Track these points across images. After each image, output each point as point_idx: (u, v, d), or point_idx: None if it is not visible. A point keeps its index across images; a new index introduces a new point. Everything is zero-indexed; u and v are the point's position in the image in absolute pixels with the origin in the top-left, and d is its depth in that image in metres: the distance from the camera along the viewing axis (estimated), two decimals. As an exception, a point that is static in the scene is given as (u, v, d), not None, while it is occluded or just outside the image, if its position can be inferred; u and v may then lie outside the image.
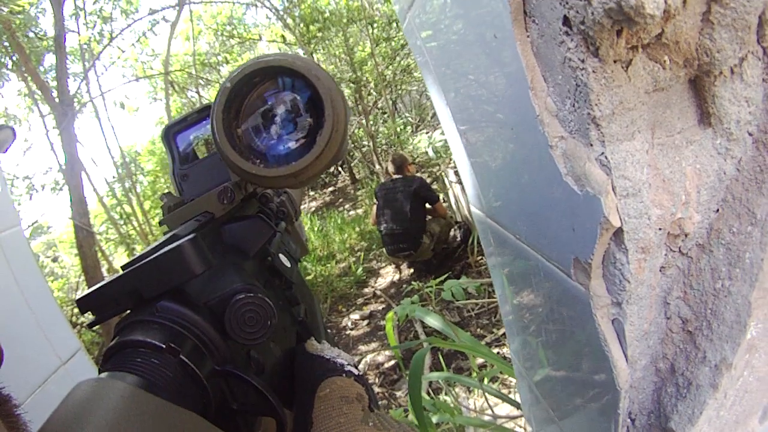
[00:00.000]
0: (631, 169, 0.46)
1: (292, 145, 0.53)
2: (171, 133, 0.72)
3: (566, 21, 0.44)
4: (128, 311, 0.46)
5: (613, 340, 0.55)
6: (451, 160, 6.85)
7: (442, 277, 3.93)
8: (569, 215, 0.54)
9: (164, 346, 0.41)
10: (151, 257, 0.45)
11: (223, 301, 0.47)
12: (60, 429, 0.31)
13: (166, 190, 0.69)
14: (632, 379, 0.56)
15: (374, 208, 5.45)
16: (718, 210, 0.50)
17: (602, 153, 0.46)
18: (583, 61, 0.44)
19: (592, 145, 0.47)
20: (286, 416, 0.48)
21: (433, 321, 2.25)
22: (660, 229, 0.49)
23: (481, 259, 4.72)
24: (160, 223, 0.65)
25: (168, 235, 0.53)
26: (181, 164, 0.71)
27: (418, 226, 5.03)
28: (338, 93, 0.50)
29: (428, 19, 0.92)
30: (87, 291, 0.45)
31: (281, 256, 0.64)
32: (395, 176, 5.26)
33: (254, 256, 0.60)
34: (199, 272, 0.44)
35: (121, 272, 0.45)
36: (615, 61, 0.43)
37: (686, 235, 0.50)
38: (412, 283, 4.97)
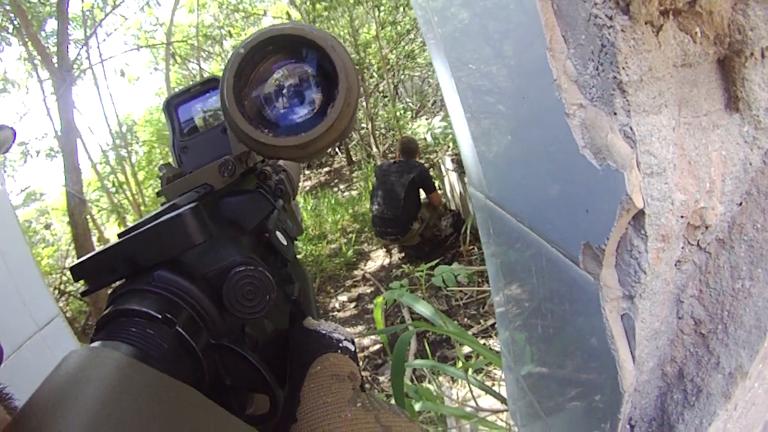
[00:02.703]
0: (657, 144, 0.41)
1: (303, 115, 0.52)
2: (173, 104, 0.73)
3: (595, -29, 0.39)
4: (123, 280, 0.45)
5: (620, 338, 0.51)
6: (449, 147, 6.82)
7: (433, 263, 3.93)
8: (584, 194, 0.50)
9: (160, 316, 0.40)
10: (151, 225, 0.44)
11: (221, 273, 0.46)
12: (52, 398, 0.30)
13: (163, 162, 0.67)
14: (637, 382, 0.51)
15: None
16: (741, 203, 0.46)
17: (627, 123, 0.41)
18: (611, 18, 0.39)
19: (616, 113, 0.42)
20: (280, 394, 0.47)
21: (421, 308, 2.23)
22: (682, 216, 0.44)
23: (473, 248, 4.71)
24: (158, 194, 0.65)
25: (167, 205, 0.53)
26: (181, 136, 0.72)
27: (409, 213, 4.99)
28: (352, 66, 0.49)
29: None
30: (82, 258, 0.44)
31: (278, 233, 0.64)
32: (398, 159, 5.22)
33: (251, 232, 0.60)
34: (199, 242, 0.44)
35: (117, 240, 0.45)
36: (646, 23, 0.40)
37: (707, 227, 0.46)
38: (402, 266, 4.97)
